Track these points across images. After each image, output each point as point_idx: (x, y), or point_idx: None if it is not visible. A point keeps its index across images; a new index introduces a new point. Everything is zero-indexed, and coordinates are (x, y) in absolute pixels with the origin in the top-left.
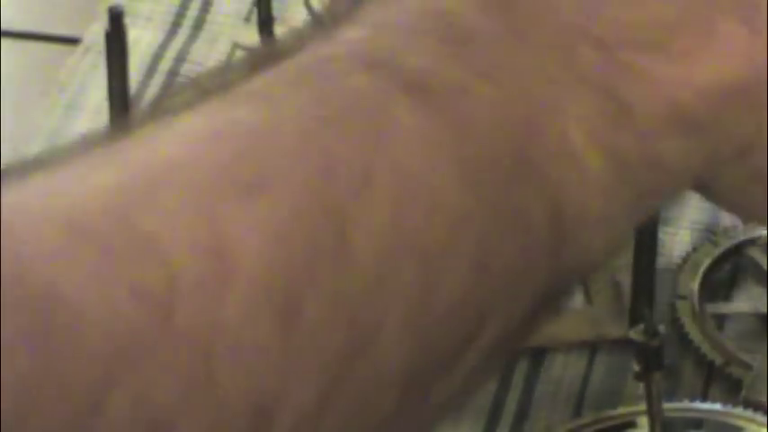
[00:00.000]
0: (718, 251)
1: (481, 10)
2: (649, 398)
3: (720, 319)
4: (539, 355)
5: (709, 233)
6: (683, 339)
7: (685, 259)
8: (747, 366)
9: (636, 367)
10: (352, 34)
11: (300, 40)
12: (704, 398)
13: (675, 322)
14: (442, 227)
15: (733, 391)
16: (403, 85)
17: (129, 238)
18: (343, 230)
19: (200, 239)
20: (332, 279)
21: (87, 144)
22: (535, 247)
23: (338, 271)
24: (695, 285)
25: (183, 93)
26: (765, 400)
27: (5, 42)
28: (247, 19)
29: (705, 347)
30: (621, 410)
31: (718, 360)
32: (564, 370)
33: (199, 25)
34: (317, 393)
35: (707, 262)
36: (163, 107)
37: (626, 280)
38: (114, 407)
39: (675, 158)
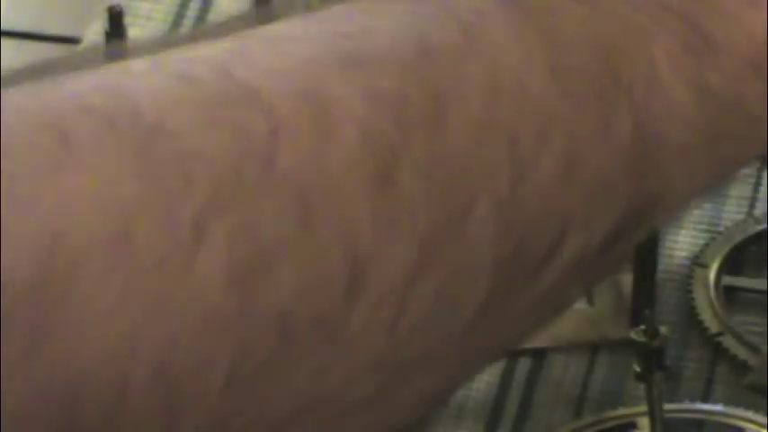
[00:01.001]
0: (756, 228)
1: None
2: (650, 399)
3: (732, 294)
4: (539, 356)
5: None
6: (689, 308)
7: (721, 232)
8: (752, 348)
9: (637, 368)
10: None
11: None
12: (705, 399)
13: (686, 288)
14: (533, 122)
15: (734, 391)
16: None
17: (233, 87)
18: (438, 108)
19: (303, 94)
20: (426, 152)
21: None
22: (619, 160)
23: (432, 145)
24: (721, 255)
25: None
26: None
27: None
28: None
29: (706, 316)
30: (622, 411)
31: (715, 329)
32: (565, 370)
33: (199, 25)
34: (409, 264)
35: (740, 237)
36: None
37: (627, 280)
38: (214, 238)
39: (756, 103)
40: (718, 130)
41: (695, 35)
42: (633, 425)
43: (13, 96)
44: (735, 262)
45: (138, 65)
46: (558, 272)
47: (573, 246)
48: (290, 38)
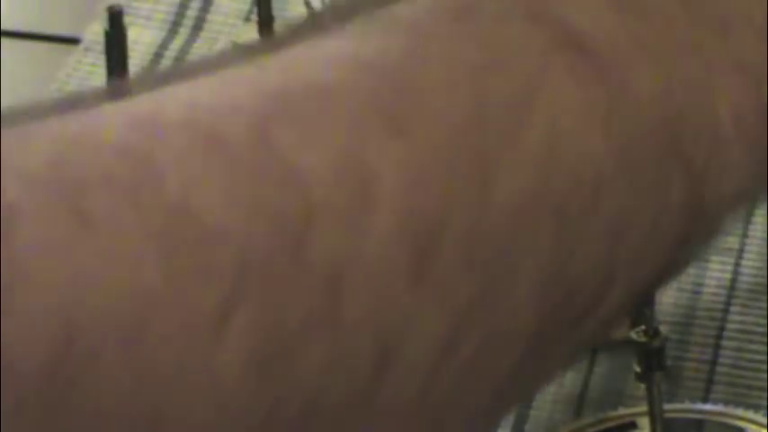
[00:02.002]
0: None
1: None
2: (650, 399)
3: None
4: None
5: None
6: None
7: None
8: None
9: (637, 368)
10: None
11: None
12: (705, 399)
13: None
14: (586, 191)
15: (734, 391)
16: (564, 41)
17: (268, 159)
18: (486, 180)
19: (343, 169)
20: (469, 226)
21: (225, 59)
22: (670, 221)
23: (477, 221)
24: None
25: (319, 17)
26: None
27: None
28: (247, 19)
29: None
30: (622, 411)
31: None
32: (565, 371)
33: (199, 25)
34: (443, 338)
35: None
36: (301, 30)
37: None
38: (238, 326)
39: None
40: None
41: (760, 92)
42: (633, 425)
43: (27, 155)
44: None
45: (168, 112)
46: (605, 312)
47: (619, 292)
48: (334, 84)
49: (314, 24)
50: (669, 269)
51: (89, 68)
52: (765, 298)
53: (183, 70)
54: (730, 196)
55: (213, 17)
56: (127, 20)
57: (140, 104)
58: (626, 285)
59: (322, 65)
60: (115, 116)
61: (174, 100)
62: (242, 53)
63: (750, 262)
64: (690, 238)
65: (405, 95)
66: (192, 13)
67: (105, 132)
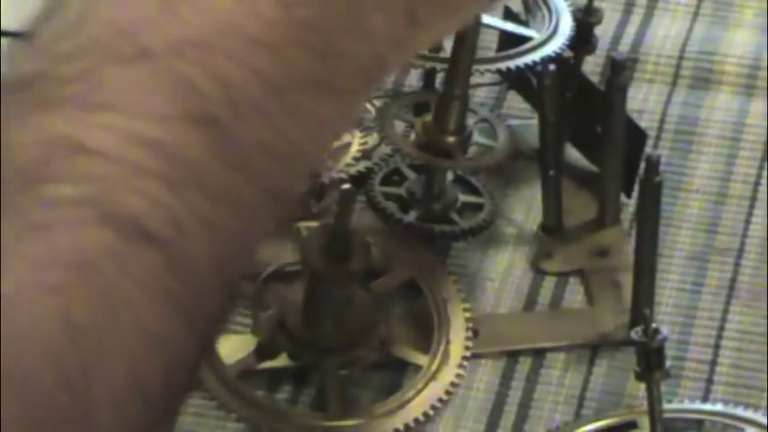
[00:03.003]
0: None
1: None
2: (650, 399)
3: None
4: (540, 356)
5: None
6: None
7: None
8: None
9: (637, 368)
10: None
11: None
12: (705, 399)
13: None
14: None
15: (734, 391)
16: (128, 232)
17: None
18: None
19: None
20: None
21: None
22: None
23: None
24: None
25: None
26: None
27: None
28: None
29: None
30: (622, 411)
31: None
32: (565, 371)
33: None
34: None
35: None
36: None
37: (626, 281)
38: None
39: None
40: None
41: None
42: (633, 425)
43: None
44: None
45: None
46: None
47: None
48: None
49: None
50: None
51: None
52: (765, 298)
53: None
54: None
55: None
56: None
57: None
58: None
59: None
60: None
61: None
62: None
63: (750, 262)
64: None
65: None
66: None
67: None
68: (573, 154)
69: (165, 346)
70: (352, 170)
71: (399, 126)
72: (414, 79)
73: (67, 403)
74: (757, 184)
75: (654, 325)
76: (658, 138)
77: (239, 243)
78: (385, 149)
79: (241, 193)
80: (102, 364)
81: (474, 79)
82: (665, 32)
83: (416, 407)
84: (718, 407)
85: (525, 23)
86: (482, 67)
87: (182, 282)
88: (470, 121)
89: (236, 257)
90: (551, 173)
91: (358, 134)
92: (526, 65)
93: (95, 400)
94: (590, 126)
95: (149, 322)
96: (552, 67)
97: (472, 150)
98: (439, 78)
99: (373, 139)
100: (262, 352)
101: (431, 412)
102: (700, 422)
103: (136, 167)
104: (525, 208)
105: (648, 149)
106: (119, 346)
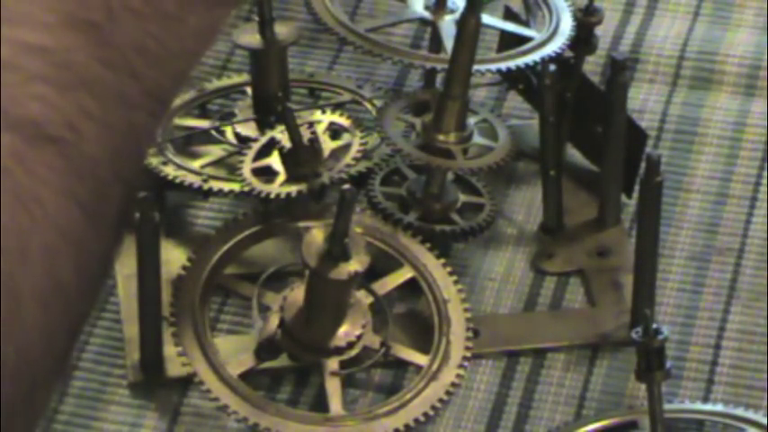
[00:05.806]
0: None
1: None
2: (651, 399)
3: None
4: (539, 356)
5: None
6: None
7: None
8: None
9: (637, 368)
10: None
11: None
12: (705, 399)
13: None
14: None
15: (734, 391)
16: (31, 135)
17: None
18: None
19: None
20: None
21: None
22: None
23: None
24: None
25: None
26: None
27: None
28: (247, 19)
29: None
30: (623, 411)
31: None
32: (565, 371)
33: None
34: None
35: None
36: None
37: (627, 281)
38: None
39: None
40: None
41: None
42: (633, 425)
43: None
44: None
45: None
46: None
47: None
48: None
49: None
50: None
51: None
52: (765, 298)
53: None
54: None
55: None
56: None
57: None
58: None
59: None
60: None
61: None
62: None
63: (750, 262)
64: None
65: None
66: None
67: None
68: (573, 154)
69: (75, 243)
70: (352, 170)
71: (399, 126)
72: (414, 79)
73: None
74: (757, 184)
75: (654, 325)
76: (659, 138)
77: (130, 141)
78: (385, 149)
79: (125, 92)
80: (25, 264)
81: (474, 79)
82: (666, 32)
83: (416, 407)
84: (719, 407)
85: (526, 23)
86: (482, 67)
87: (82, 180)
88: (470, 121)
89: (130, 155)
90: (551, 173)
91: (358, 134)
92: (526, 65)
93: (23, 299)
94: (590, 126)
95: (60, 221)
96: (552, 67)
97: (472, 150)
98: (439, 78)
99: (373, 139)
100: (262, 352)
101: (431, 412)
102: (700, 422)
103: (29, 74)
104: (525, 208)
105: (649, 149)
106: (38, 245)
